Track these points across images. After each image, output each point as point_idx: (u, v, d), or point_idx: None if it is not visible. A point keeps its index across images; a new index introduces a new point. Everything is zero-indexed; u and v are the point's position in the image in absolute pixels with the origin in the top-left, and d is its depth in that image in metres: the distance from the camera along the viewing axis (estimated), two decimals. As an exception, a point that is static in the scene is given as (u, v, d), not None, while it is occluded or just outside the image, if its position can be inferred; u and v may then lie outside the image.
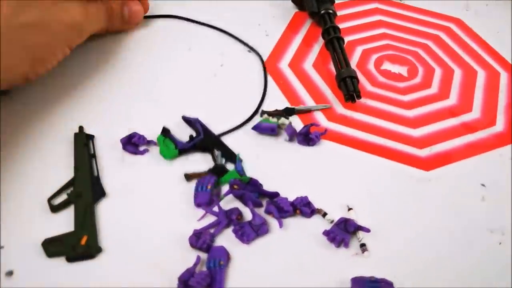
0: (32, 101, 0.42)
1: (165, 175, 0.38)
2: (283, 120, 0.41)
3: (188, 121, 0.41)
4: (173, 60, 0.48)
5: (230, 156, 0.39)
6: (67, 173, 0.38)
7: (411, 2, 0.58)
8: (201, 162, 0.39)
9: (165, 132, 0.40)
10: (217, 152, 0.39)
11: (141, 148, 0.40)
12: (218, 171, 0.38)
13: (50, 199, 0.36)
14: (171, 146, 0.39)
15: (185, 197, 0.37)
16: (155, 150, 0.40)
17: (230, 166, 0.39)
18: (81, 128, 0.40)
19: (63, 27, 0.39)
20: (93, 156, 0.38)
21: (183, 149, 0.39)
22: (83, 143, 0.39)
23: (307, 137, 0.41)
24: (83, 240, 0.33)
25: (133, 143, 0.39)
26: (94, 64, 0.46)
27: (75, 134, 0.39)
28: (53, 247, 0.33)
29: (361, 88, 0.46)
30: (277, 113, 0.43)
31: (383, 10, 0.57)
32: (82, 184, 0.36)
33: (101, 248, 0.33)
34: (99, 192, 0.36)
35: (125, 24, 0.49)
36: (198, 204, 0.36)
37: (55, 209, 0.35)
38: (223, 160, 0.39)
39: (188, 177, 0.37)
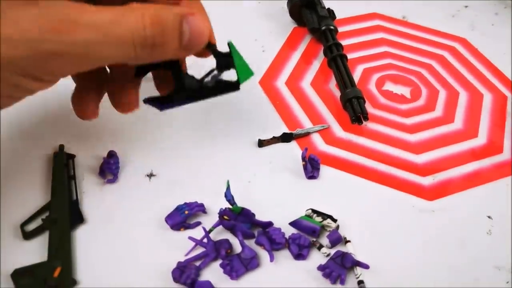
0: (10, 115, 0.39)
1: (149, 200, 0.36)
2: (329, 222, 0.35)
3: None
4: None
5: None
6: (44, 196, 0.35)
7: (415, 20, 0.56)
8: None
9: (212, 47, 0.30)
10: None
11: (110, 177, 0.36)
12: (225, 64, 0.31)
13: (23, 225, 0.33)
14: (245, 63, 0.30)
15: (170, 226, 0.34)
16: (139, 173, 0.37)
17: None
18: (61, 146, 0.37)
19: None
20: (73, 178, 0.36)
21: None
22: (63, 164, 0.36)
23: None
24: (56, 272, 0.30)
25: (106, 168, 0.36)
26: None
27: (55, 154, 0.37)
28: (24, 279, 0.30)
29: (362, 109, 0.43)
30: (274, 141, 0.40)
31: (385, 27, 0.55)
32: (58, 209, 0.34)
33: (75, 281, 0.31)
34: (77, 218, 0.34)
35: (181, 51, 0.29)
36: (166, 221, 0.34)
37: (28, 236, 0.32)
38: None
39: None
